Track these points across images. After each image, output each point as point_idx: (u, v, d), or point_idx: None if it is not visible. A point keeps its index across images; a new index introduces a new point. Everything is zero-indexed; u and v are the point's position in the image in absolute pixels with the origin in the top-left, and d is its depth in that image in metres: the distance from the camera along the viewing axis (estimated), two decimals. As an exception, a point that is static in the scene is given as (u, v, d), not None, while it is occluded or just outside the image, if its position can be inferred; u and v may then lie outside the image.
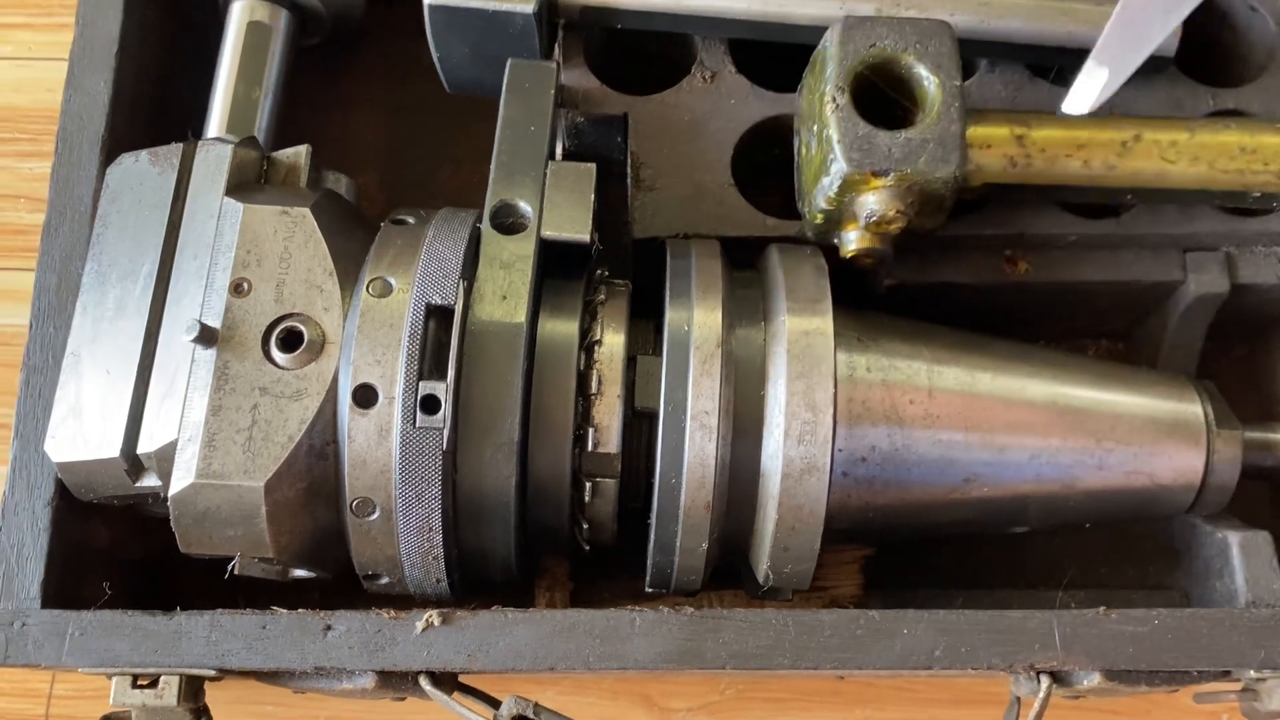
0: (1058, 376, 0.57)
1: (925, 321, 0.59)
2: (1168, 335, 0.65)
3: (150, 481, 0.54)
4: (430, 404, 0.51)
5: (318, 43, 0.71)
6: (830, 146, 0.55)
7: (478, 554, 0.55)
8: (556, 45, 0.66)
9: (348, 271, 0.55)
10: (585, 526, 0.56)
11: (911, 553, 0.67)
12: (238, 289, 0.54)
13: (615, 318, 0.56)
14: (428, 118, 0.76)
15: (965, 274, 0.63)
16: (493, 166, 0.57)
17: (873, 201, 0.54)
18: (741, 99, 0.65)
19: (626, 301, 0.57)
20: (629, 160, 0.63)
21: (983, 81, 0.65)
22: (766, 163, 0.65)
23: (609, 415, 0.54)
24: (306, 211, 0.55)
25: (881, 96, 0.56)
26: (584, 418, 0.54)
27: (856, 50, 0.55)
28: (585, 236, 0.56)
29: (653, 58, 0.67)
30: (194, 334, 0.52)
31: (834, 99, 0.55)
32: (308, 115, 0.74)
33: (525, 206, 0.56)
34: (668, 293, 0.56)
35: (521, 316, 0.53)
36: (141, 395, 0.54)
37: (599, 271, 0.59)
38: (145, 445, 0.53)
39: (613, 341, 0.55)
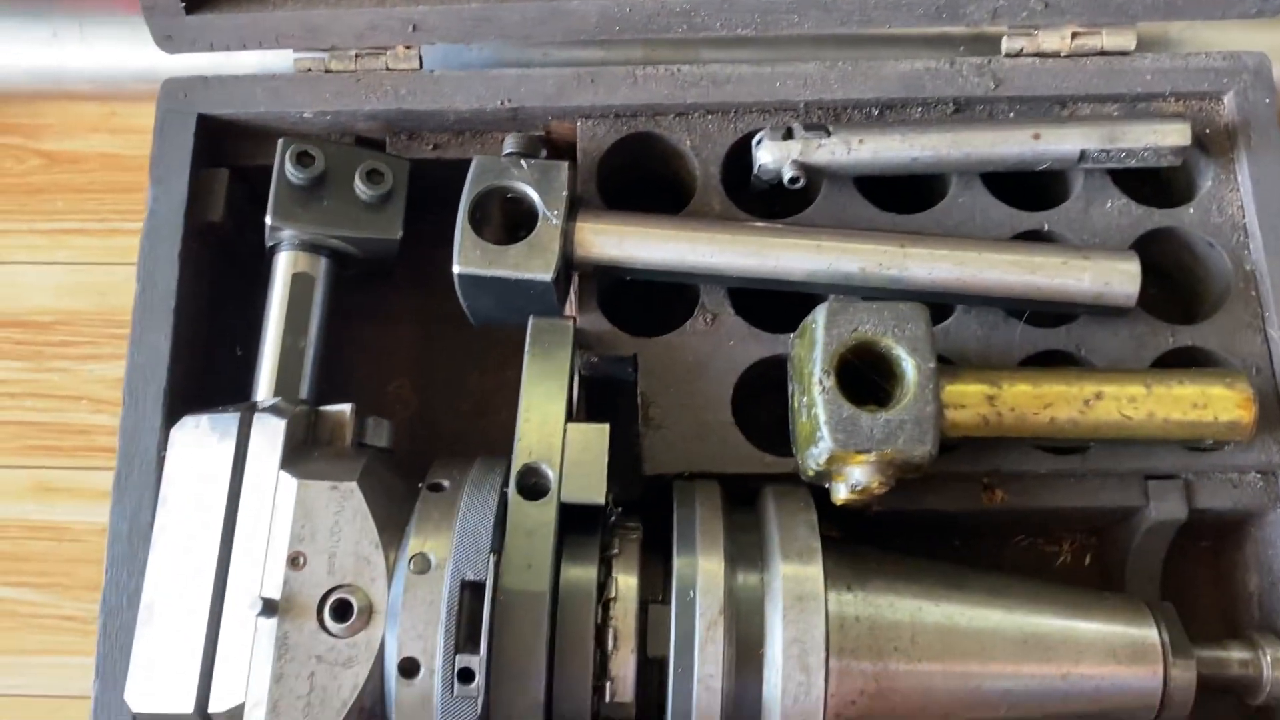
0: (1028, 613, 0.64)
1: (909, 556, 0.66)
2: (1133, 548, 0.71)
3: (217, 731, 0.61)
4: (466, 675, 0.57)
5: (355, 274, 0.78)
6: (818, 425, 0.61)
7: (510, 792, 0.62)
8: (572, 291, 0.73)
9: (391, 540, 0.61)
10: (605, 761, 0.62)
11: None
12: (294, 562, 0.60)
13: (628, 567, 0.62)
14: (455, 326, 0.83)
15: (947, 503, 0.69)
16: (517, 430, 0.64)
17: (857, 473, 0.61)
18: (740, 340, 0.71)
19: (638, 548, 0.63)
20: (639, 400, 0.70)
21: (960, 322, 0.71)
22: (764, 394, 0.72)
23: (624, 668, 0.60)
24: (354, 486, 0.62)
25: (863, 370, 0.63)
26: (601, 669, 0.60)
27: (840, 335, 0.62)
28: (600, 500, 0.62)
29: (660, 298, 0.74)
30: (258, 609, 0.59)
31: (821, 381, 0.61)
32: (345, 328, 0.80)
33: (547, 469, 0.63)
34: (676, 542, 0.63)
35: (544, 585, 0.59)
36: (210, 656, 0.61)
37: (613, 514, 0.66)
38: (216, 705, 0.60)
39: (626, 593, 0.61)
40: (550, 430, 0.64)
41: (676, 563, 0.62)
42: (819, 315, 0.63)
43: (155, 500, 0.66)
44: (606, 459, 0.63)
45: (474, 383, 0.83)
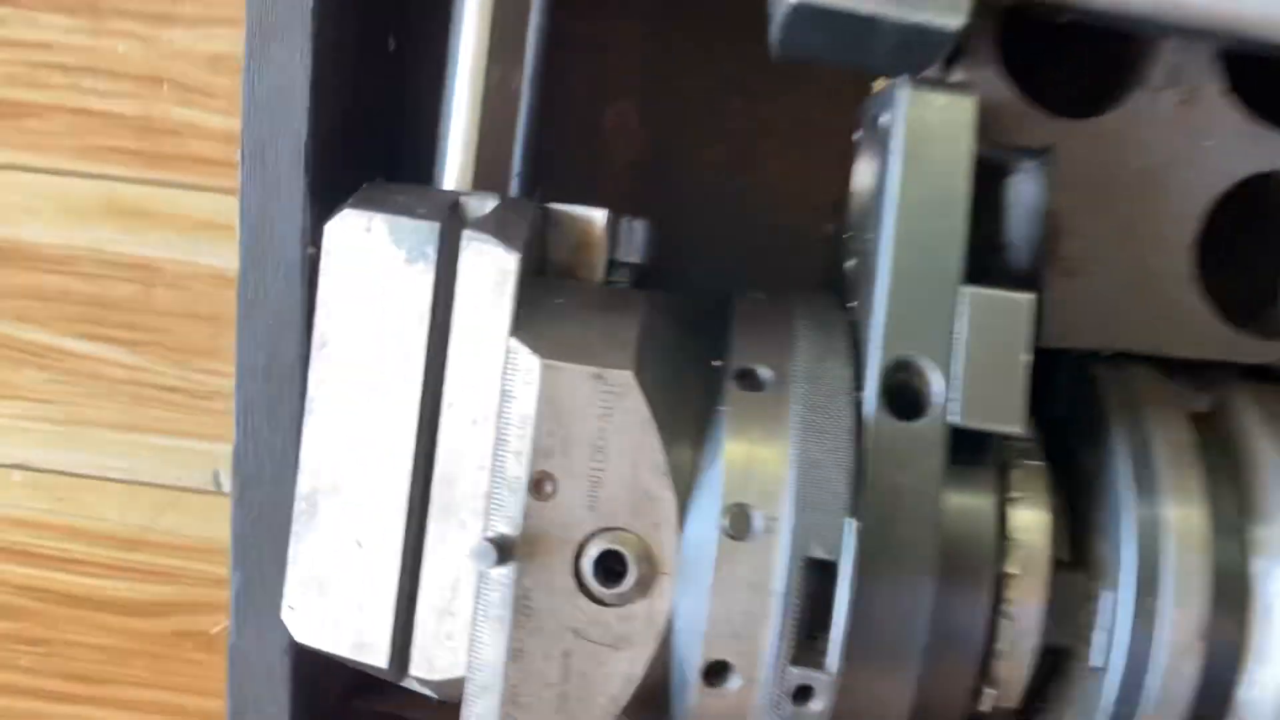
0: None
1: None
2: None
3: (416, 686, 0.43)
4: (803, 694, 0.38)
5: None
6: None
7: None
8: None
9: (682, 461, 0.39)
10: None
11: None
12: (538, 487, 0.39)
13: (1034, 522, 0.41)
14: (708, 32, 0.55)
15: None
16: (880, 287, 0.39)
17: None
18: (1226, 137, 0.44)
19: (1046, 497, 0.41)
20: (1045, 221, 0.45)
21: None
22: (1246, 232, 0.46)
23: (1015, 673, 0.41)
24: (629, 378, 0.39)
25: None
26: (984, 671, 0.41)
27: None
28: (1018, 427, 0.39)
29: (1091, 57, 0.45)
30: (490, 561, 0.38)
31: None
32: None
33: (928, 367, 0.39)
34: (1120, 475, 0.41)
35: (926, 567, 0.38)
36: (409, 594, 0.41)
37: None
38: (421, 669, 0.41)
39: (1032, 562, 0.40)
40: (935, 297, 0.40)
41: (1136, 513, 0.40)
42: None
43: (303, 326, 0.44)
44: (1026, 360, 0.39)
45: (732, 116, 0.56)
